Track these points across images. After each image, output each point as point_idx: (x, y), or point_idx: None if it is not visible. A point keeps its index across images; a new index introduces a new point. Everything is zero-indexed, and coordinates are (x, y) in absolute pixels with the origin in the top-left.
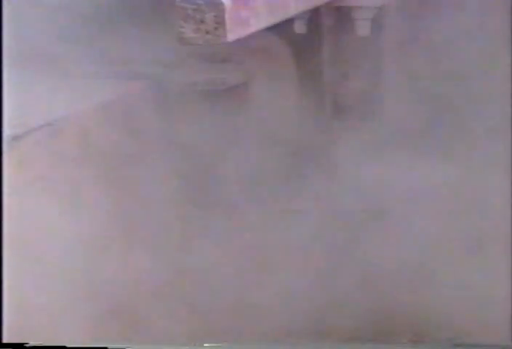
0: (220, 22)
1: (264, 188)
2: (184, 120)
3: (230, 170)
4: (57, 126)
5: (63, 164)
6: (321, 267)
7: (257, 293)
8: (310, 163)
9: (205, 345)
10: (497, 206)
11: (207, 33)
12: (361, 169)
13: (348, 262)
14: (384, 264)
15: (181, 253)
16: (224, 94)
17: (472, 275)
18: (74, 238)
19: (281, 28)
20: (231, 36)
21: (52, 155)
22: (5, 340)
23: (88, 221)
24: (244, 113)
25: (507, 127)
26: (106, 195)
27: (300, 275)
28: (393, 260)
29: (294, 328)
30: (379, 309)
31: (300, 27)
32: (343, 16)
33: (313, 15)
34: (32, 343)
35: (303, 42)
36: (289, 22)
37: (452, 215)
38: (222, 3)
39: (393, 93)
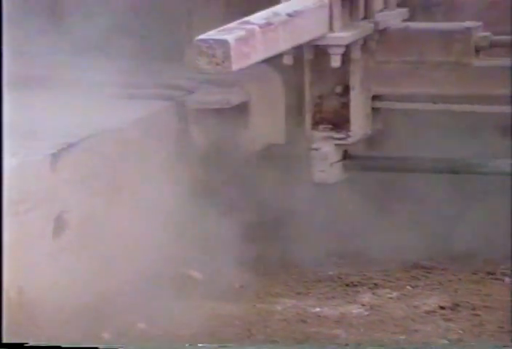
0: (227, 57)
1: None
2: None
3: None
4: (102, 136)
5: (108, 166)
6: None
7: None
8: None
9: (204, 345)
10: None
11: (217, 64)
12: None
13: None
14: None
15: None
16: (229, 111)
17: None
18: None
19: (274, 61)
20: (235, 67)
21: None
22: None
23: (128, 212)
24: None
25: None
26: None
27: None
28: None
29: None
30: None
31: (287, 60)
32: (320, 51)
33: (298, 51)
34: (32, 343)
35: (290, 71)
36: (279, 56)
37: None
38: (228, 42)
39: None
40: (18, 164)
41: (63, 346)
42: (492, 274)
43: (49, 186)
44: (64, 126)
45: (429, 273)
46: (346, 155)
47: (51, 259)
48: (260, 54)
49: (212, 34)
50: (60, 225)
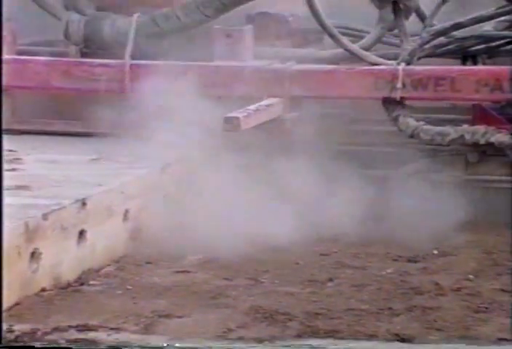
0: (239, 124)
1: None
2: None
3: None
4: (183, 161)
5: (184, 171)
6: None
7: None
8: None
9: (202, 345)
10: None
11: (234, 127)
12: None
13: None
14: None
15: None
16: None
17: None
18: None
19: (258, 126)
20: (242, 128)
21: (186, 168)
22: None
23: (195, 191)
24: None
25: None
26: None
27: None
28: None
29: None
30: None
31: (266, 125)
32: (279, 121)
33: (270, 121)
34: (35, 344)
35: (268, 130)
36: (260, 124)
37: None
38: (239, 118)
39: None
40: (146, 172)
41: (62, 346)
42: None
43: (160, 181)
44: (161, 157)
45: None
46: None
47: (160, 210)
48: (254, 122)
49: (231, 114)
50: (165, 199)
